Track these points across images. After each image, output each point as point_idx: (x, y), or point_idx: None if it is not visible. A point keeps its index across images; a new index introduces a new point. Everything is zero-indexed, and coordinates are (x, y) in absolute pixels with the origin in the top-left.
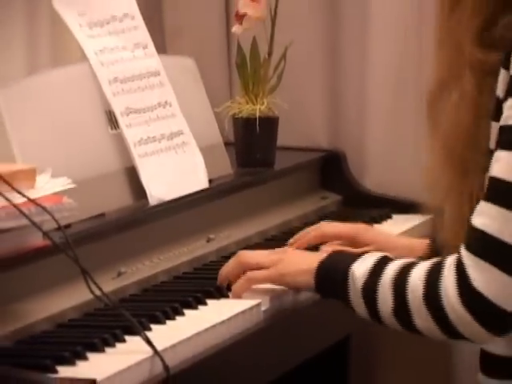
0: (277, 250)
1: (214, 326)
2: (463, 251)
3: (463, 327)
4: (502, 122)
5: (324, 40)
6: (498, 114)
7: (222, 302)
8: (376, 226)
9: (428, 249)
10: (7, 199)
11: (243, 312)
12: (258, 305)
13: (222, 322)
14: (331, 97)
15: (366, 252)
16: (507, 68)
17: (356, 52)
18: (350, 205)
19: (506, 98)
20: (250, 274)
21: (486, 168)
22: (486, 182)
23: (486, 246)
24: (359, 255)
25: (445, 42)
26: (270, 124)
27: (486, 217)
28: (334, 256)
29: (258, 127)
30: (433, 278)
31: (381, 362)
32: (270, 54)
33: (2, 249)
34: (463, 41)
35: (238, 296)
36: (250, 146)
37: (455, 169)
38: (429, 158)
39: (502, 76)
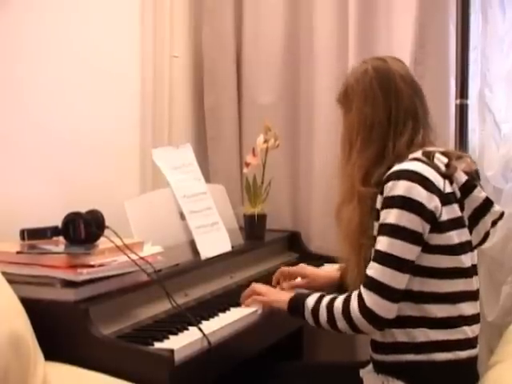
0: (271, 288)
1: (235, 321)
2: (361, 287)
3: (362, 326)
4: (380, 221)
5: (288, 176)
6: (378, 217)
7: (239, 308)
8: (315, 268)
9: (338, 273)
10: (129, 257)
11: (250, 314)
12: (257, 310)
13: (239, 319)
14: (293, 204)
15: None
16: (382, 194)
17: (307, 180)
18: (302, 259)
19: (382, 209)
20: (255, 297)
21: (372, 245)
22: (372, 252)
23: (372, 284)
24: (309, 294)
25: (343, 179)
26: (262, 218)
27: (373, 269)
28: (296, 295)
29: (256, 219)
30: (346, 302)
31: (318, 341)
32: (262, 182)
33: (126, 282)
34: (354, 181)
35: (248, 306)
36: (252, 228)
37: (352, 247)
38: (338, 241)
39: (379, 198)
